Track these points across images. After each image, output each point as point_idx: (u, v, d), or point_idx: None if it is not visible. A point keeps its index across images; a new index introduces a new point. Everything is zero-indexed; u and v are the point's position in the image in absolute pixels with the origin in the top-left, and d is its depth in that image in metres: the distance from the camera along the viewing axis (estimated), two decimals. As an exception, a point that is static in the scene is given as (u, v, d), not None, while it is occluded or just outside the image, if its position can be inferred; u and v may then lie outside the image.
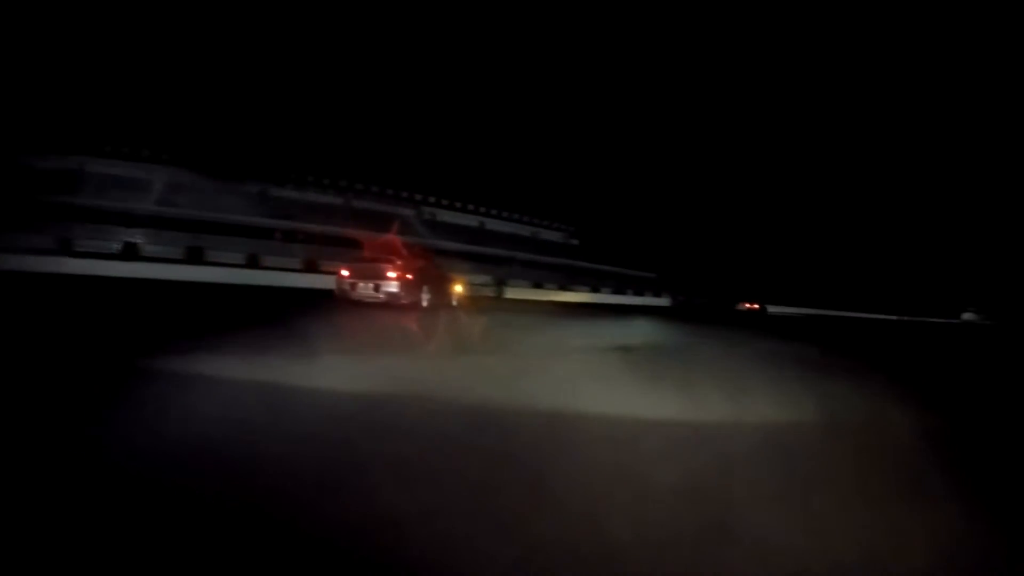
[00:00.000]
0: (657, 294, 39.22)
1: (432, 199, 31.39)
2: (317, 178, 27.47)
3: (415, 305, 8.36)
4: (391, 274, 8.48)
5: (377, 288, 8.44)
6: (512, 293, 24.82)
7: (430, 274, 8.82)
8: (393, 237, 9.68)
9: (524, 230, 38.48)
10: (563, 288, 29.96)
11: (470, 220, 33.70)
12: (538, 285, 29.69)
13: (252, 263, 20.66)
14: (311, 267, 21.29)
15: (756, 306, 30.06)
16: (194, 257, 20.64)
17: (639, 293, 38.48)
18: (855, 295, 40.27)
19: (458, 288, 9.89)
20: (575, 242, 40.88)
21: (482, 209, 35.03)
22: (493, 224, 35.85)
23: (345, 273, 8.47)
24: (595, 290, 33.65)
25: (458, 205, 32.82)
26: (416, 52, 37.44)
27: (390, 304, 8.21)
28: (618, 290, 36.73)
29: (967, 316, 40.64)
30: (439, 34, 37.31)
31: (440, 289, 9.14)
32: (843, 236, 46.36)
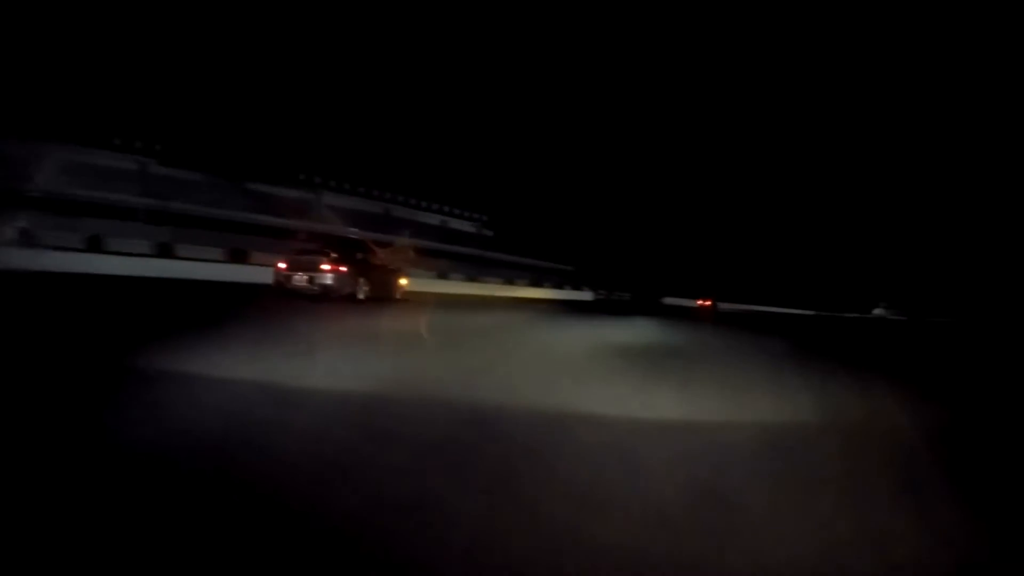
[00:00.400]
0: (576, 287, 40.31)
1: (333, 183, 29.91)
2: (204, 157, 25.09)
3: (351, 297, 8.78)
4: (324, 267, 8.87)
5: (311, 280, 8.83)
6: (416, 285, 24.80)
7: (369, 267, 9.24)
8: (336, 231, 10.00)
9: (433, 218, 37.96)
10: (471, 279, 29.58)
11: (374, 206, 32.33)
12: (443, 276, 29.20)
13: (164, 252, 18.95)
14: (236, 258, 19.86)
15: (709, 303, 33.76)
16: (93, 246, 18.54)
17: (558, 286, 39.32)
18: (778, 292, 43.65)
19: (403, 282, 10.32)
20: (489, 232, 40.88)
21: (388, 195, 34.53)
22: (400, 212, 35.38)
23: (282, 265, 8.72)
24: (508, 282, 34.30)
25: (361, 190, 31.40)
26: (316, 28, 34.74)
27: (326, 295, 8.52)
28: (534, 283, 37.37)
29: (878, 311, 42.36)
30: (342, 10, 34.79)
31: (381, 282, 9.64)
32: (766, 233, 49.14)
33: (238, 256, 20.02)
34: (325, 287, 9.08)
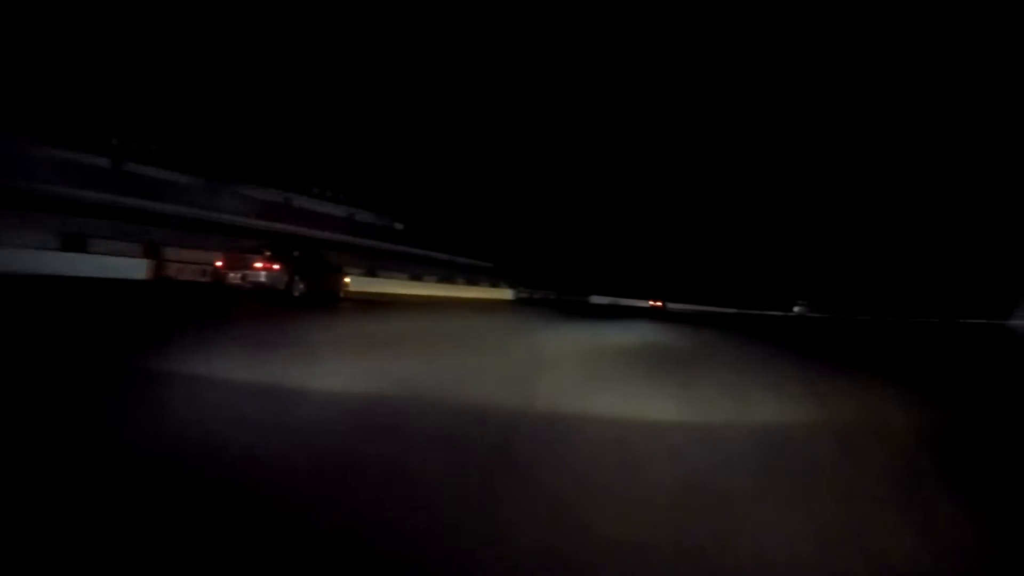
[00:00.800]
0: (495, 284, 39.72)
1: (225, 169, 27.97)
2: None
3: (287, 294, 9.32)
4: (257, 264, 9.34)
5: (244, 277, 9.27)
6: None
7: (307, 265, 9.79)
8: (275, 230, 10.50)
9: (339, 210, 36.00)
10: (370, 274, 28.20)
11: (273, 195, 31.28)
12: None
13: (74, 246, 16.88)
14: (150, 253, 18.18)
15: (660, 304, 38.61)
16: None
17: (471, 282, 38.47)
18: (704, 291, 45.59)
19: (347, 280, 10.86)
20: (399, 226, 39.54)
21: (290, 184, 32.78)
22: (302, 201, 33.51)
23: (219, 263, 9.09)
24: (416, 278, 33.15)
25: (259, 177, 30.56)
26: (219, 14, 32.00)
27: (260, 292, 9.19)
28: (446, 279, 36.13)
29: (797, 309, 43.71)
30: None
31: (321, 280, 10.18)
32: (692, 233, 50.30)
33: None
34: (258, 284, 9.51)
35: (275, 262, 10.02)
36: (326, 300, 10.90)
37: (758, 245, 52.31)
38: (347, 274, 12.15)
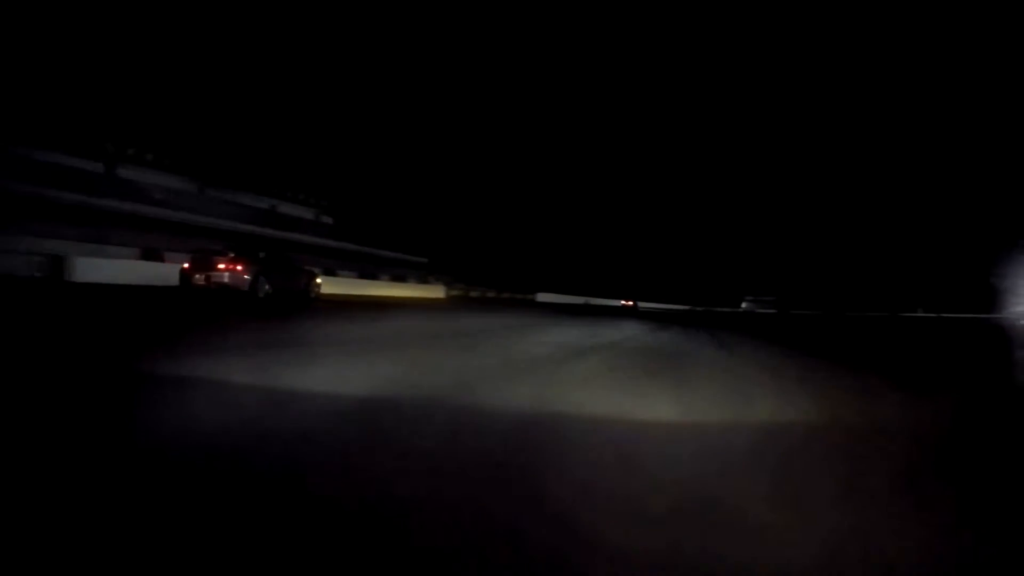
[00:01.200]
0: (424, 281, 38.68)
1: (132, 151, 25.78)
2: None
3: (251, 295, 9.66)
4: (221, 266, 9.63)
5: (209, 279, 9.54)
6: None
7: (273, 267, 10.10)
8: (242, 232, 10.72)
9: (261, 201, 33.84)
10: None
11: (187, 184, 29.24)
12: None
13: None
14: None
15: (631, 303, 40.86)
16: None
17: (398, 278, 37.29)
18: (655, 288, 46.78)
19: (318, 281, 11.13)
20: (328, 220, 37.69)
21: (204, 171, 30.40)
22: (218, 192, 31.15)
23: (186, 265, 9.28)
24: (331, 273, 31.22)
25: (167, 163, 28.36)
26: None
27: (225, 292, 10.32)
28: (366, 274, 34.75)
29: (745, 305, 44.88)
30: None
31: (287, 281, 10.46)
32: (641, 229, 50.85)
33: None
34: (221, 285, 9.74)
35: (239, 263, 10.21)
36: (295, 301, 11.14)
37: (707, 243, 55.58)
38: (317, 276, 12.35)
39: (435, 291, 35.36)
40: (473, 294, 39.70)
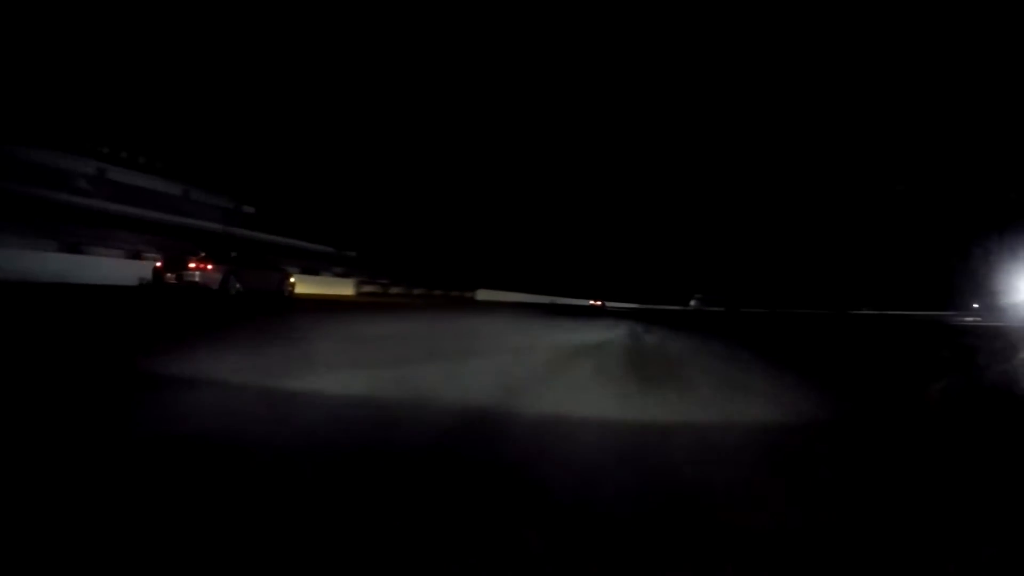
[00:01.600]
0: (345, 276, 35.77)
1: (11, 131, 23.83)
2: None
3: (222, 294, 10.12)
4: (192, 265, 10.08)
5: (180, 277, 9.98)
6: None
7: (244, 266, 10.57)
8: (214, 231, 11.20)
9: (173, 188, 31.03)
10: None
11: (85, 165, 26.58)
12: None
13: None
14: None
15: (600, 303, 42.88)
16: None
17: (309, 272, 32.97)
18: (602, 286, 46.90)
19: (292, 280, 11.57)
20: (250, 209, 35.04)
21: (105, 152, 28.14)
22: (119, 175, 28.46)
23: (158, 264, 9.71)
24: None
25: (69, 145, 26.02)
26: None
27: (196, 290, 10.71)
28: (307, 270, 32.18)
29: (694, 303, 45.33)
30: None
31: (259, 280, 10.93)
32: (587, 226, 50.12)
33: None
34: (192, 284, 10.15)
35: (209, 263, 10.58)
36: (267, 300, 11.55)
37: (653, 241, 55.87)
38: (291, 275, 12.74)
39: (344, 287, 31.79)
40: (395, 291, 35.92)
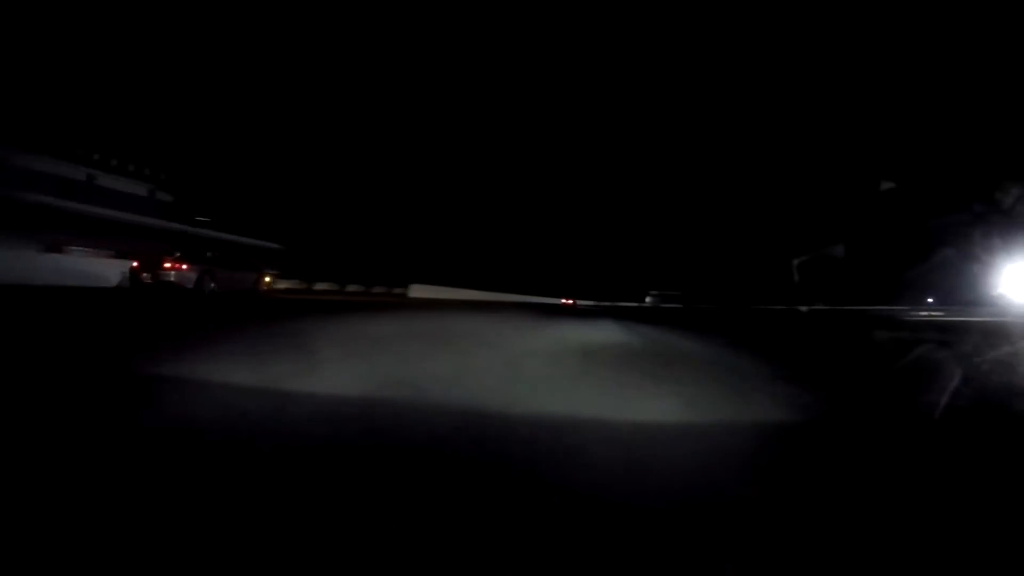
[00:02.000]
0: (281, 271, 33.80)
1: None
2: None
3: (197, 292, 10.51)
4: (167, 265, 10.43)
5: (156, 277, 10.33)
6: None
7: (219, 266, 11.00)
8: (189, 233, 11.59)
9: (77, 172, 27.45)
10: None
11: (55, 167, 24.67)
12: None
13: None
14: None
15: (571, 302, 42.93)
16: None
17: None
18: (553, 281, 46.72)
19: (267, 279, 11.95)
20: (167, 197, 31.94)
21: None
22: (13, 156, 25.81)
23: (135, 264, 10.05)
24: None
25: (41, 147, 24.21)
26: None
27: (171, 290, 11.27)
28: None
29: (650, 299, 45.59)
30: None
31: (234, 279, 11.33)
32: (536, 219, 49.48)
33: None
34: (167, 283, 10.48)
35: (184, 262, 10.92)
36: (242, 297, 11.93)
37: (606, 236, 56.00)
38: (266, 275, 13.06)
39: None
40: (322, 286, 34.05)
